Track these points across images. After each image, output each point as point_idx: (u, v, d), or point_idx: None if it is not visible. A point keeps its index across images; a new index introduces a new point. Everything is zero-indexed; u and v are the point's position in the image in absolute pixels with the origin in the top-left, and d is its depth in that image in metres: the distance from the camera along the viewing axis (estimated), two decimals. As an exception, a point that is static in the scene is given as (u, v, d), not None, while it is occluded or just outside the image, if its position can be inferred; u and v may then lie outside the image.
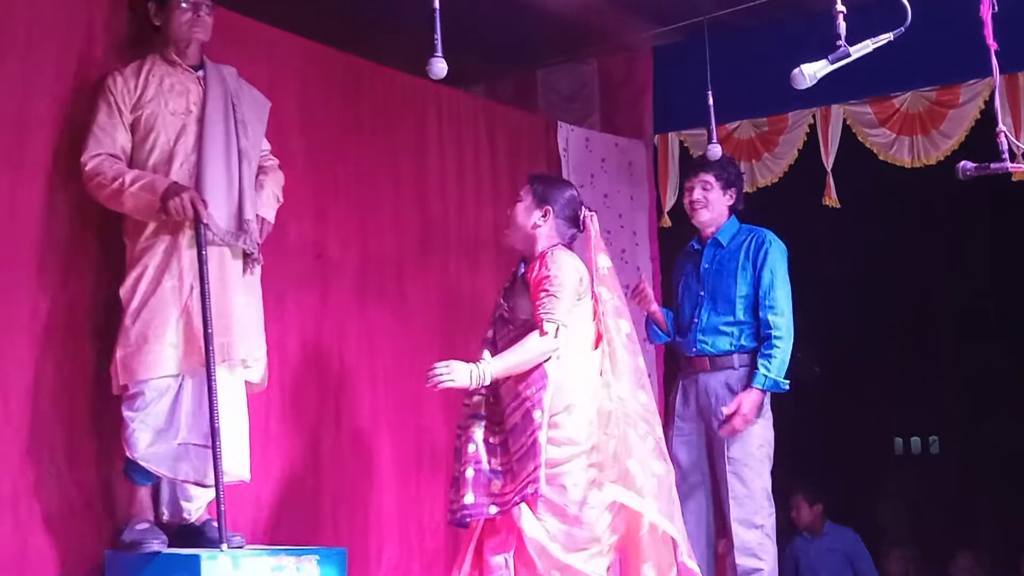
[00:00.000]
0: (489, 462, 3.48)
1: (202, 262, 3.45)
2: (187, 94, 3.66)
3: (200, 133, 3.61)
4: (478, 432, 3.53)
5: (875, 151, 5.36)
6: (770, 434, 4.19)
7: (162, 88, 3.62)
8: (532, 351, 3.45)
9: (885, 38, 3.10)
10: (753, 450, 4.13)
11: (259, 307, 3.79)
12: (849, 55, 3.04)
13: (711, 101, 4.82)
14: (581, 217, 3.75)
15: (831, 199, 5.47)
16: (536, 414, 3.40)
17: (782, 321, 4.17)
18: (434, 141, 5.14)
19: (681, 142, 5.94)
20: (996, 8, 3.48)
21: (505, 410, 3.55)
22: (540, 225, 3.66)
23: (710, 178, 4.33)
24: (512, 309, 3.65)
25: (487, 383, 3.47)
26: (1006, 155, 3.43)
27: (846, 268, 6.77)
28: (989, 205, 5.95)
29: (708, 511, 4.24)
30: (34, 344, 3.49)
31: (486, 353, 3.56)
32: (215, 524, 3.48)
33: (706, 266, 4.36)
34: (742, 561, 4.06)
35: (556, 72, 6.16)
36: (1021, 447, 6.75)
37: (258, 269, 3.77)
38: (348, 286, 4.66)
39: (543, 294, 3.49)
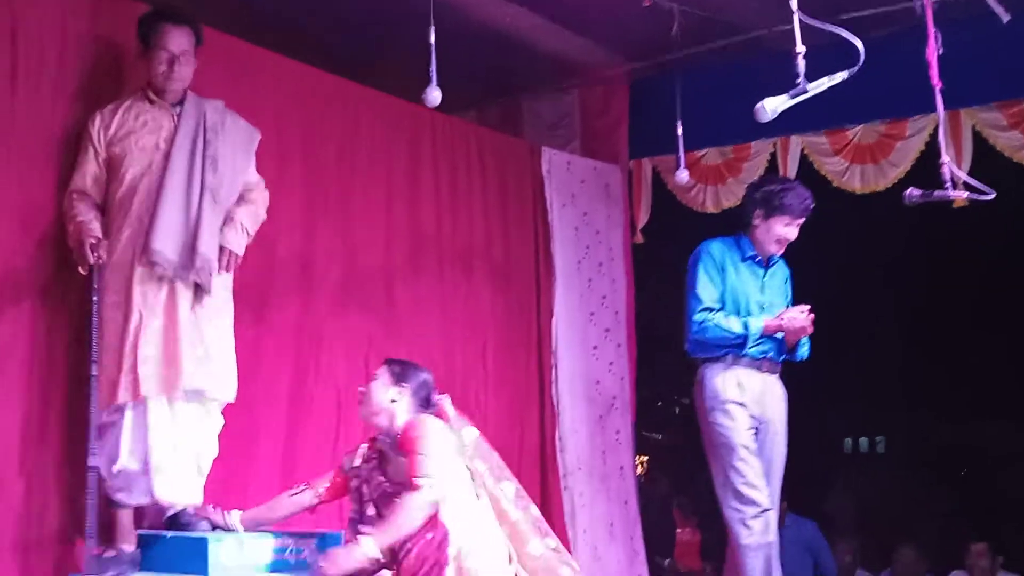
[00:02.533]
0: None
1: (93, 303, 3.27)
2: (159, 130, 3.46)
3: (164, 168, 3.40)
4: None
5: (829, 178, 5.36)
6: None
7: (136, 124, 3.43)
8: (411, 509, 3.18)
9: (840, 76, 3.14)
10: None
11: (220, 337, 3.54)
12: (807, 91, 3.08)
13: (680, 131, 4.81)
14: (434, 400, 3.50)
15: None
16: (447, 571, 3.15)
17: None
18: (428, 162, 5.10)
19: (654, 167, 5.95)
20: (942, 50, 3.48)
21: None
22: (396, 400, 3.41)
23: (802, 220, 4.21)
24: (393, 482, 3.39)
25: (379, 556, 3.18)
26: (948, 184, 3.42)
27: (798, 283, 6.74)
28: (928, 227, 5.93)
29: None
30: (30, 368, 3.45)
31: (363, 537, 3.25)
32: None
33: (766, 280, 4.26)
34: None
35: (540, 101, 6.16)
36: (961, 446, 6.75)
37: (218, 300, 3.52)
38: (335, 294, 4.61)
39: (413, 455, 3.25)
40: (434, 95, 3.90)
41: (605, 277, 5.79)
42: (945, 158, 3.48)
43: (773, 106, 3.07)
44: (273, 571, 3.44)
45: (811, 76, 3.10)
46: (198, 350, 3.39)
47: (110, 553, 3.32)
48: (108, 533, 3.44)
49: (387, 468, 3.44)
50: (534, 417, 5.48)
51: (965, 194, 3.46)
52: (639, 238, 5.97)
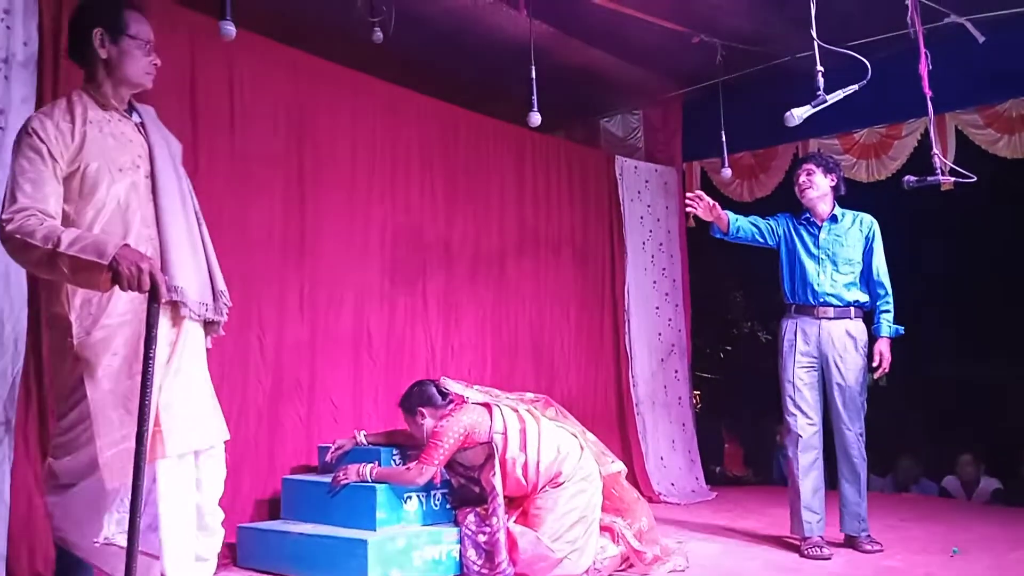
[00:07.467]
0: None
1: (149, 344, 1.94)
2: (129, 145, 2.16)
3: (154, 191, 2.15)
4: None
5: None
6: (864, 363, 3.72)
7: (103, 137, 2.12)
8: (411, 478, 3.17)
9: (852, 88, 3.06)
10: (859, 378, 3.69)
11: (204, 380, 2.25)
12: (826, 101, 3.02)
13: (724, 139, 4.77)
14: (441, 389, 3.40)
15: (808, 207, 5.38)
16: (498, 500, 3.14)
17: (889, 286, 3.73)
18: (529, 170, 5.14)
19: (702, 168, 5.89)
20: (931, 67, 3.40)
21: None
22: (424, 420, 3.37)
23: (811, 166, 3.80)
24: (463, 465, 3.32)
25: (368, 480, 3.20)
26: (939, 171, 3.34)
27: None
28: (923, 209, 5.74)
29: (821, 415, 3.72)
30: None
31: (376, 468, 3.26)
32: None
33: (825, 236, 3.76)
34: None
35: (613, 121, 6.14)
36: (948, 380, 6.53)
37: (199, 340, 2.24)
38: (466, 269, 4.70)
39: (429, 443, 3.23)
40: (535, 118, 3.90)
41: (665, 254, 5.76)
42: (936, 151, 3.40)
43: (800, 113, 3.01)
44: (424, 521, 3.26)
45: (827, 90, 3.05)
46: (196, 401, 2.19)
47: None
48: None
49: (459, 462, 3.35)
50: (611, 360, 5.44)
51: (952, 179, 3.37)
52: (691, 223, 5.91)
